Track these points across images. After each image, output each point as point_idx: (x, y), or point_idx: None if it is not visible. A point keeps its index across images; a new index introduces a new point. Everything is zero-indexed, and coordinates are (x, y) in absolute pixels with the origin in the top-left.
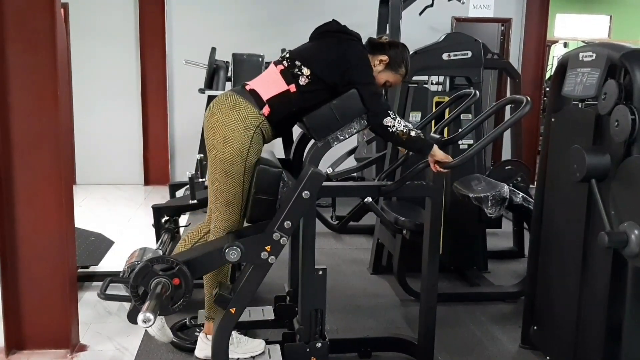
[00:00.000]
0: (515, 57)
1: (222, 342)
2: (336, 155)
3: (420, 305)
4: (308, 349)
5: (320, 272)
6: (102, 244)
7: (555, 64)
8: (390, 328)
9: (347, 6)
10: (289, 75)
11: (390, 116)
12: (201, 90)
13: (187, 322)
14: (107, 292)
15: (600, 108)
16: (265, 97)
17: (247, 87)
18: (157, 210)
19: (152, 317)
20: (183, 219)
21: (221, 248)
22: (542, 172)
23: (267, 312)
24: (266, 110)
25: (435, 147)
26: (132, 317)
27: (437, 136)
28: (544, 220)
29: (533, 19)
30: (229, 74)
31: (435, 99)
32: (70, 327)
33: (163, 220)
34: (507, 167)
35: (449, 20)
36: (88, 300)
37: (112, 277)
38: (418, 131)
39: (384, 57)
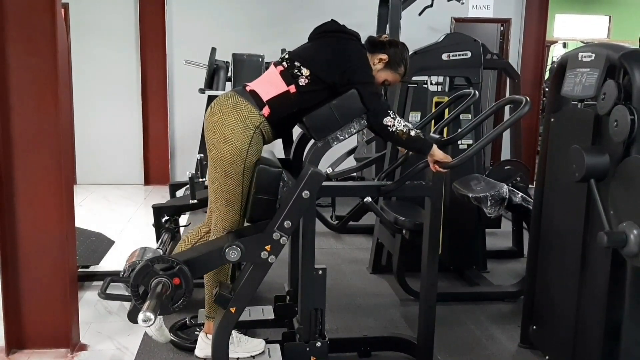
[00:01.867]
0: (514, 58)
1: (222, 341)
2: (336, 155)
3: (419, 305)
4: (308, 349)
5: (320, 272)
6: (102, 244)
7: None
8: (389, 327)
9: (347, 6)
10: (288, 76)
11: (390, 116)
12: (201, 91)
13: (187, 322)
14: (108, 291)
15: (600, 108)
16: (265, 98)
17: (248, 88)
18: (158, 210)
19: (152, 316)
20: (183, 219)
21: (221, 247)
22: (541, 172)
23: (267, 312)
24: (266, 111)
25: (434, 146)
26: (132, 317)
27: (437, 136)
28: (543, 220)
29: (532, 20)
30: (229, 74)
31: (435, 99)
32: (71, 327)
33: (163, 219)
34: (506, 167)
35: (449, 20)
36: (88, 299)
37: (112, 276)
38: (418, 131)
39: (384, 56)
